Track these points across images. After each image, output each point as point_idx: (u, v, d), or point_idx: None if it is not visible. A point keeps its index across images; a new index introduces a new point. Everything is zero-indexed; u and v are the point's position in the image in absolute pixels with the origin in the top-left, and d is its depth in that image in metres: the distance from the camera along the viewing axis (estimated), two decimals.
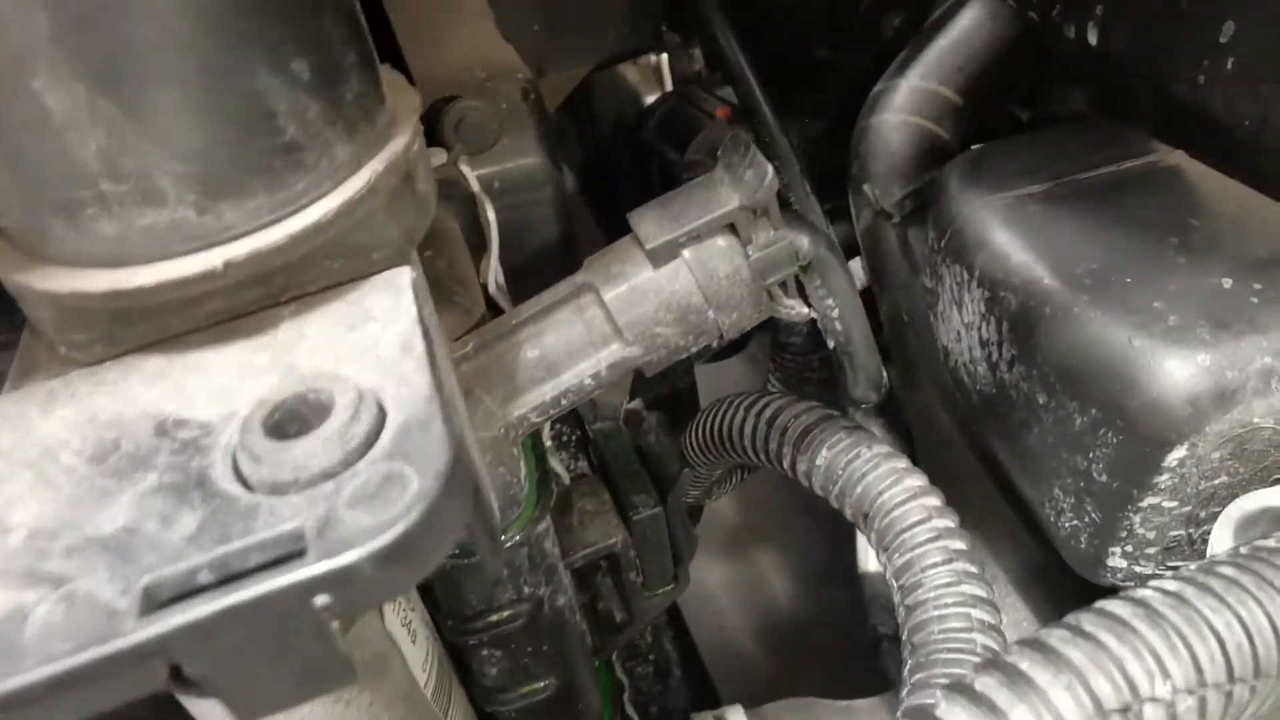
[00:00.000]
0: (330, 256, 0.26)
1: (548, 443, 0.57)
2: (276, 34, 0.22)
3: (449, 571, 0.47)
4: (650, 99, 0.87)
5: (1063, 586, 0.57)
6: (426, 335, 0.25)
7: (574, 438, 0.59)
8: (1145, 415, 0.47)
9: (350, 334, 0.25)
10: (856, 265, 1.08)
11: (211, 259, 0.23)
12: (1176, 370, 0.46)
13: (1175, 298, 0.49)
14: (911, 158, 0.86)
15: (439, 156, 0.45)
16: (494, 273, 0.45)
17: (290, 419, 0.22)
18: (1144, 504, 0.49)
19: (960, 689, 0.24)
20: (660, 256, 0.34)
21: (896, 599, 0.42)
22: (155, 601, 0.19)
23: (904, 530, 0.42)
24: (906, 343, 0.83)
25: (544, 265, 0.53)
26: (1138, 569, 0.53)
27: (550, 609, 0.51)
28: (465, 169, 0.46)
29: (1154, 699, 0.25)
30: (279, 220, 0.24)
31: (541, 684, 0.53)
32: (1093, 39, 0.70)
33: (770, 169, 0.32)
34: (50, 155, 0.21)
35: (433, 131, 0.47)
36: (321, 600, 0.19)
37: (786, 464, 0.50)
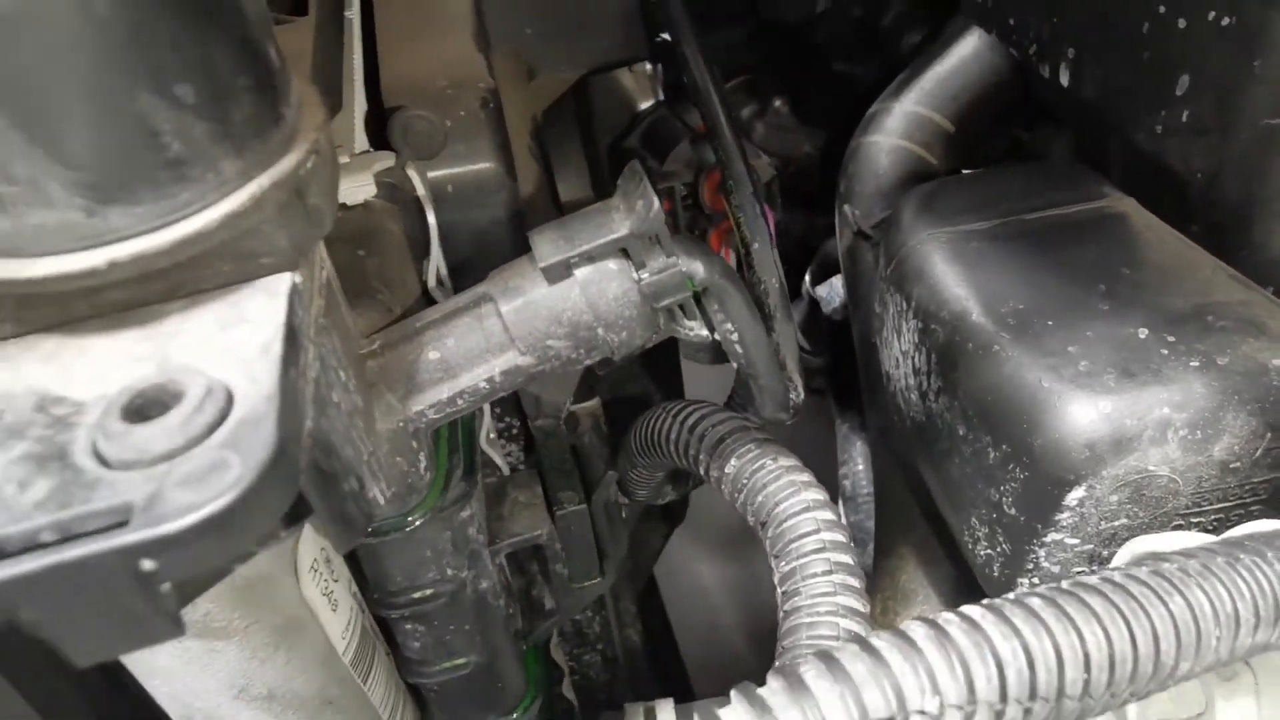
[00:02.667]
0: (220, 259, 0.29)
1: (491, 434, 0.60)
2: (161, 61, 0.25)
3: (373, 548, 0.51)
4: (643, 107, 0.90)
5: None
6: (291, 338, 0.28)
7: (520, 432, 0.62)
8: (1047, 454, 0.49)
9: (223, 333, 0.28)
10: (838, 282, 1.09)
11: (96, 258, 0.26)
12: (1079, 415, 0.48)
13: (1090, 344, 0.51)
14: (896, 181, 0.88)
15: (387, 160, 0.48)
16: (434, 271, 0.48)
17: (150, 405, 0.25)
18: (1048, 539, 0.51)
19: (745, 690, 0.27)
20: (553, 274, 0.37)
21: (779, 604, 0.44)
22: (1, 553, 0.22)
23: (793, 540, 0.45)
24: (871, 365, 0.85)
25: (494, 265, 0.55)
26: None
27: (473, 591, 0.54)
28: (413, 174, 0.49)
29: (921, 712, 0.27)
30: (164, 226, 0.27)
31: (463, 660, 0.56)
32: (1064, 81, 0.71)
33: (656, 202, 0.34)
34: None
35: (385, 138, 0.50)
36: (149, 564, 0.22)
37: (703, 470, 0.52)
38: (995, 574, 0.56)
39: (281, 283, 0.29)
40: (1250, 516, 0.51)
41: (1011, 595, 0.32)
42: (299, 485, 0.25)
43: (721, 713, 0.26)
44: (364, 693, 0.52)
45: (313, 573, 0.47)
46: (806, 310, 1.15)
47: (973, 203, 0.63)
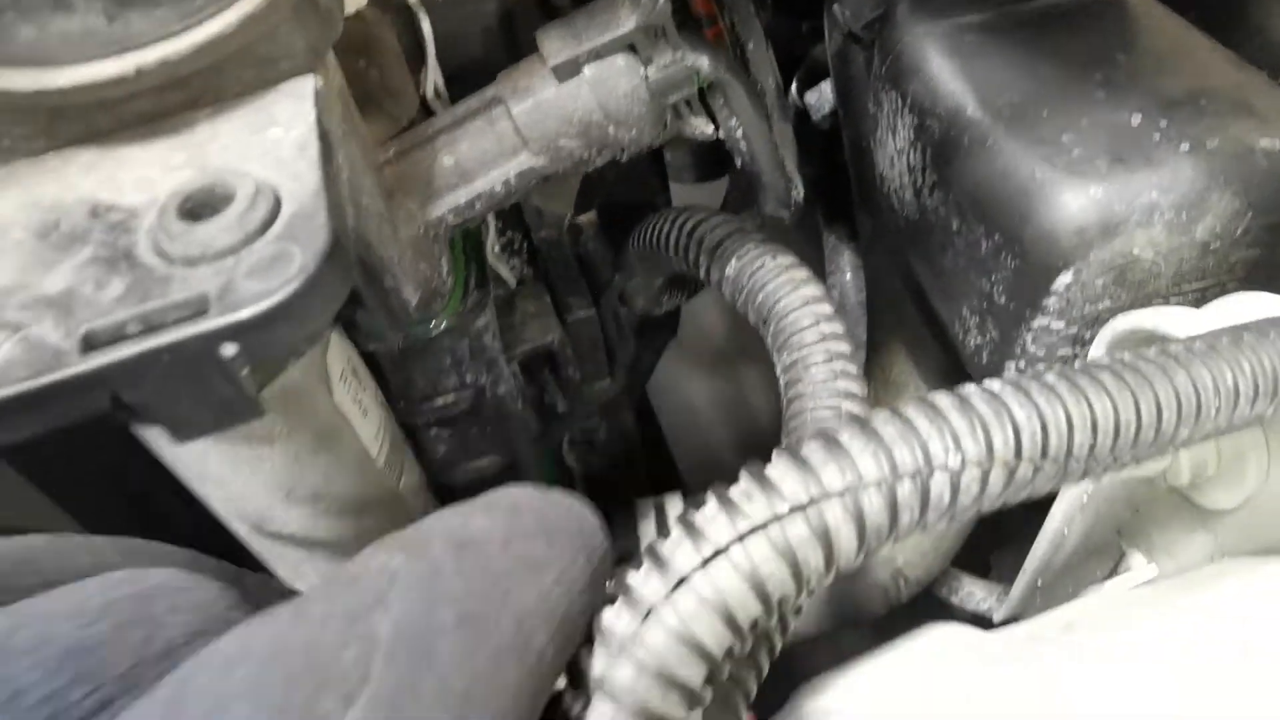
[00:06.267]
0: (240, 66, 0.30)
1: (496, 249, 0.61)
2: None
3: (397, 358, 0.53)
4: None
5: None
6: (324, 138, 0.29)
7: (522, 245, 0.63)
8: (1038, 244, 0.51)
9: (255, 136, 0.28)
10: (826, 88, 1.07)
11: (125, 64, 0.26)
12: (1069, 201, 0.49)
13: (1084, 132, 0.51)
14: None
15: None
16: (432, 83, 0.48)
17: (200, 206, 0.26)
18: (1035, 324, 0.54)
19: (787, 451, 0.30)
20: (563, 73, 0.37)
21: (782, 393, 0.47)
22: (93, 344, 0.24)
23: (794, 334, 0.47)
24: (864, 168, 0.85)
25: (489, 74, 0.55)
26: None
27: (492, 395, 0.57)
28: None
29: (945, 467, 0.30)
30: (184, 30, 0.27)
31: (485, 461, 0.60)
32: None
33: None
34: None
35: None
36: (229, 349, 0.24)
37: (704, 272, 0.54)
38: (984, 361, 0.59)
39: (304, 85, 0.30)
40: (1226, 293, 0.54)
41: (1029, 372, 0.35)
42: (354, 274, 0.27)
43: (768, 470, 0.29)
44: (399, 493, 0.56)
45: (343, 382, 0.49)
46: (794, 120, 1.13)
47: None
